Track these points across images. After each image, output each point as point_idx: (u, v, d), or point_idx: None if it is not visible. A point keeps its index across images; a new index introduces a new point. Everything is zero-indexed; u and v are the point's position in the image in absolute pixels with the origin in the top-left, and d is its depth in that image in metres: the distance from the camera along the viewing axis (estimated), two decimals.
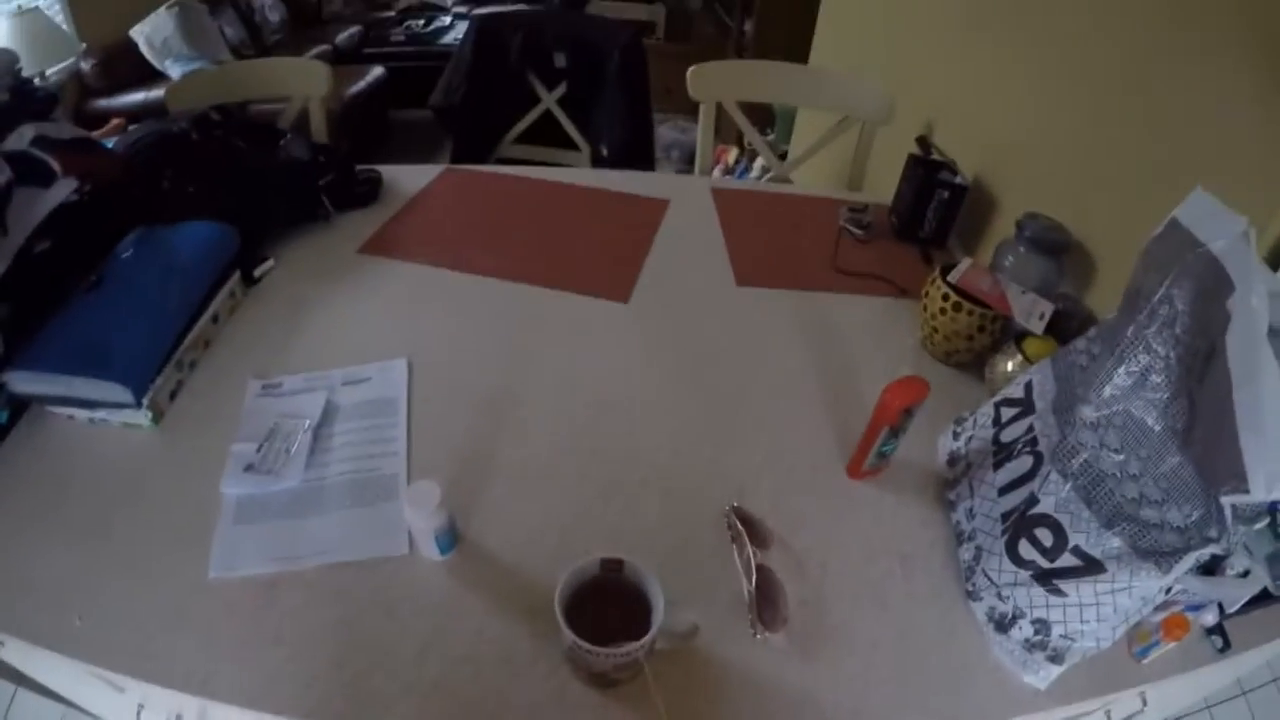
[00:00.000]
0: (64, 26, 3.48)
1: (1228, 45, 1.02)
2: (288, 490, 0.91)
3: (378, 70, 4.41)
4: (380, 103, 4.45)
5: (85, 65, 3.65)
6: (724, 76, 1.87)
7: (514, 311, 1.26)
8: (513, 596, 0.82)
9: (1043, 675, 0.80)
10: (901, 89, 1.87)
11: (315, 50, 4.64)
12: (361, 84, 4.15)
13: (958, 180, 1.53)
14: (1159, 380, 0.71)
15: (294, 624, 0.77)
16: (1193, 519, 0.68)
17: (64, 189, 1.09)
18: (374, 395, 1.06)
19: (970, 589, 0.87)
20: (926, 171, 1.54)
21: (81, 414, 0.98)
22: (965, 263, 1.21)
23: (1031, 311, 1.13)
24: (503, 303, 1.28)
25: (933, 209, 1.55)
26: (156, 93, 3.55)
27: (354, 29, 5.22)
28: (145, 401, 0.95)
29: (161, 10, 3.79)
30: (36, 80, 3.02)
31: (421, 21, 5.38)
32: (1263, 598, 0.81)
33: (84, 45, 3.53)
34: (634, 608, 0.71)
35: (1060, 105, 1.39)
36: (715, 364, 1.19)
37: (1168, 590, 0.74)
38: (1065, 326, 1.16)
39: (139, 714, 0.94)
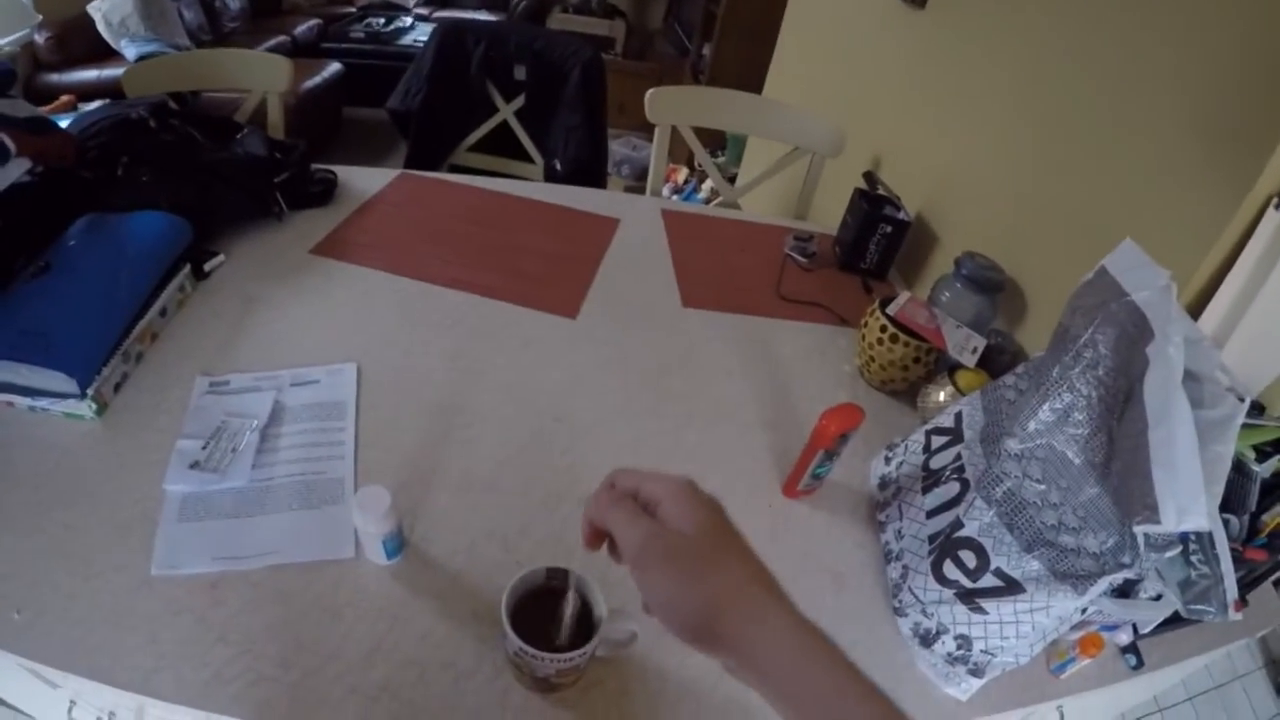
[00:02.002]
0: None
1: (1171, 105, 1.09)
2: (233, 489, 0.91)
3: (335, 66, 4.35)
4: (335, 99, 4.40)
5: (39, 38, 3.53)
6: (681, 101, 1.91)
7: (464, 321, 1.27)
8: (458, 602, 0.83)
9: (964, 688, 0.84)
10: (851, 123, 1.93)
11: (273, 41, 4.57)
12: (318, 79, 4.10)
13: (901, 216, 1.59)
14: (1081, 417, 0.76)
15: (238, 624, 0.77)
16: (1108, 545, 0.72)
17: (16, 169, 1.08)
18: (322, 398, 1.06)
19: (897, 605, 0.91)
20: (871, 206, 1.60)
21: (21, 401, 0.95)
22: (904, 296, 1.26)
23: (965, 345, 1.19)
24: (453, 312, 1.29)
25: (875, 242, 1.61)
26: (110, 71, 3.47)
27: (313, 22, 5.15)
28: (90, 392, 0.94)
29: None
30: None
31: (382, 20, 5.34)
32: (1175, 620, 0.86)
33: (40, 17, 3.42)
34: (576, 615, 0.73)
35: (1004, 151, 1.46)
36: (660, 382, 1.22)
37: (1083, 611, 0.79)
38: (996, 361, 1.22)
39: (70, 711, 0.92)
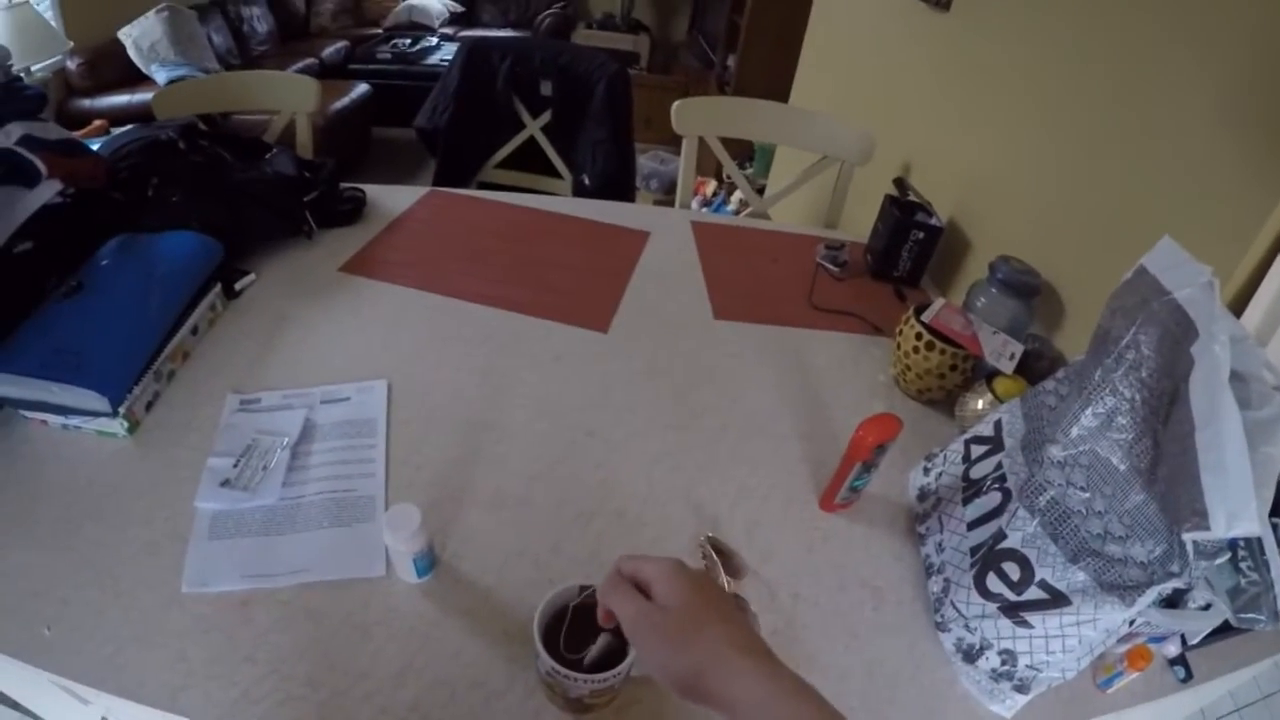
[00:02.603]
0: (53, 23, 3.46)
1: (1200, 102, 1.07)
2: (264, 507, 0.91)
3: (362, 87, 4.42)
4: (364, 119, 4.47)
5: (71, 64, 3.63)
6: (708, 112, 1.91)
7: (494, 337, 1.26)
8: (489, 621, 0.82)
9: (1009, 705, 0.81)
10: (880, 130, 1.91)
11: (301, 64, 4.66)
12: (346, 100, 4.17)
13: (933, 222, 1.57)
14: (1124, 421, 0.73)
15: (267, 642, 0.76)
16: (1155, 554, 0.70)
17: (48, 190, 1.09)
18: (353, 415, 1.06)
19: (939, 620, 0.88)
20: (903, 212, 1.58)
21: (55, 420, 0.97)
22: (939, 302, 1.24)
23: (1002, 352, 1.16)
24: (483, 328, 1.28)
25: (908, 249, 1.59)
26: (141, 96, 3.55)
27: (340, 44, 5.24)
28: (121, 410, 0.94)
29: (151, 14, 3.79)
30: (23, 76, 3.00)
31: (408, 41, 5.41)
32: (1224, 630, 0.83)
33: (71, 43, 3.51)
34: (610, 634, 0.72)
35: (1035, 152, 1.44)
36: (692, 396, 1.20)
37: (1131, 622, 0.76)
38: (1034, 367, 1.19)
39: None
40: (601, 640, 0.68)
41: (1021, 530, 0.79)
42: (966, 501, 0.91)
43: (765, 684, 0.52)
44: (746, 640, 0.55)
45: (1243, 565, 0.81)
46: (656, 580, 0.58)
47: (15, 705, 0.99)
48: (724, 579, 0.85)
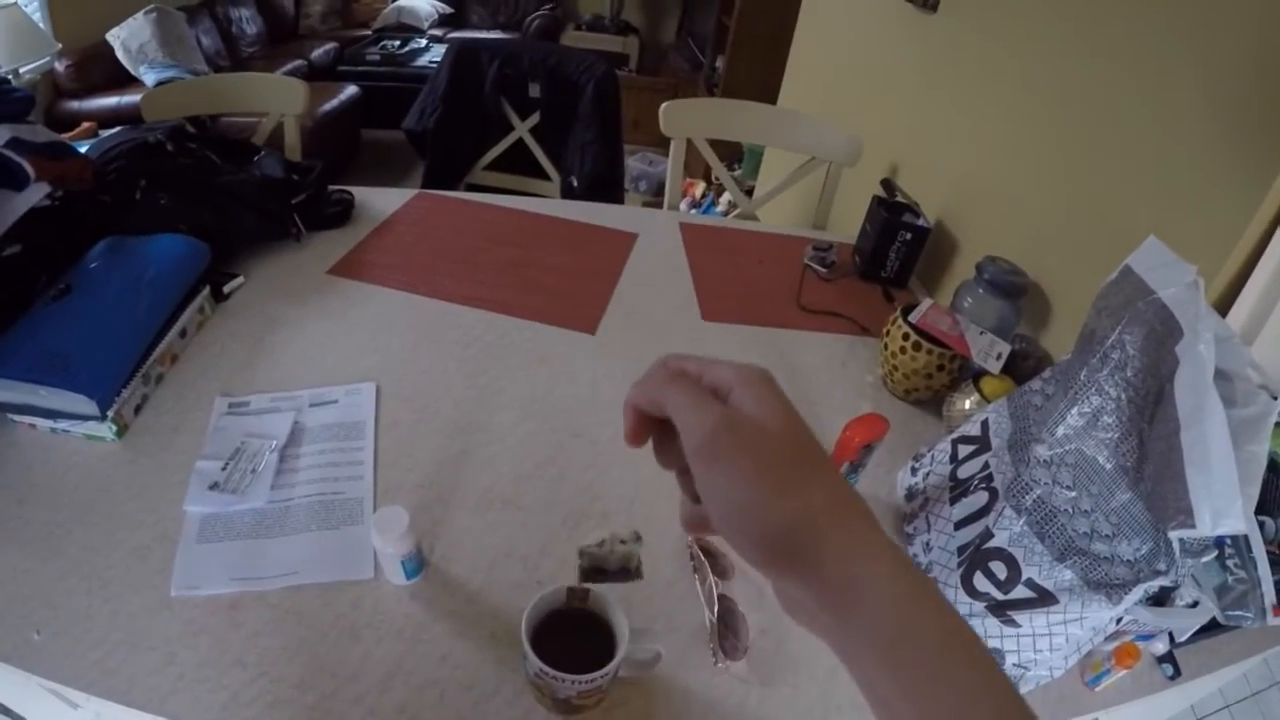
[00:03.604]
0: (41, 25, 3.44)
1: (1186, 102, 1.08)
2: (253, 510, 0.91)
3: (351, 89, 4.41)
4: (352, 121, 4.45)
5: (59, 65, 3.61)
6: (696, 114, 1.91)
7: (482, 339, 1.26)
8: (477, 623, 0.82)
9: None
10: (867, 131, 1.92)
11: (290, 65, 4.64)
12: (335, 102, 4.15)
13: (920, 222, 1.58)
14: (1110, 420, 0.74)
15: (257, 645, 0.76)
16: (1142, 552, 0.70)
17: (36, 193, 1.09)
18: (341, 418, 1.06)
19: None
20: (890, 213, 1.58)
21: (43, 423, 0.96)
22: (926, 303, 1.25)
23: (989, 352, 1.17)
24: (471, 330, 1.28)
25: (895, 250, 1.59)
26: (129, 98, 3.53)
27: (329, 46, 5.23)
28: (110, 414, 0.94)
29: (139, 15, 3.77)
30: (10, 79, 2.98)
31: (397, 42, 5.40)
32: (1212, 627, 0.84)
33: (60, 45, 3.49)
34: (598, 636, 0.72)
35: (1022, 153, 1.45)
36: None
37: (1118, 620, 0.77)
38: (1021, 366, 1.20)
39: None
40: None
41: (1008, 529, 0.79)
42: (954, 501, 0.91)
43: (904, 573, 0.36)
44: (867, 509, 0.39)
45: (1229, 563, 0.82)
46: (741, 386, 0.40)
47: (5, 710, 0.99)
48: (713, 580, 0.85)
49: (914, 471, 1.05)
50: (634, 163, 4.60)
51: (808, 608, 0.38)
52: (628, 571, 0.86)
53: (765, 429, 0.38)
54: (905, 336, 1.20)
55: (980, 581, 0.81)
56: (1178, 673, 0.91)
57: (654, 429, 0.44)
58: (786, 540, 0.36)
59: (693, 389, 0.40)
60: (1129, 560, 0.72)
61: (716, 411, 0.38)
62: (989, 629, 0.80)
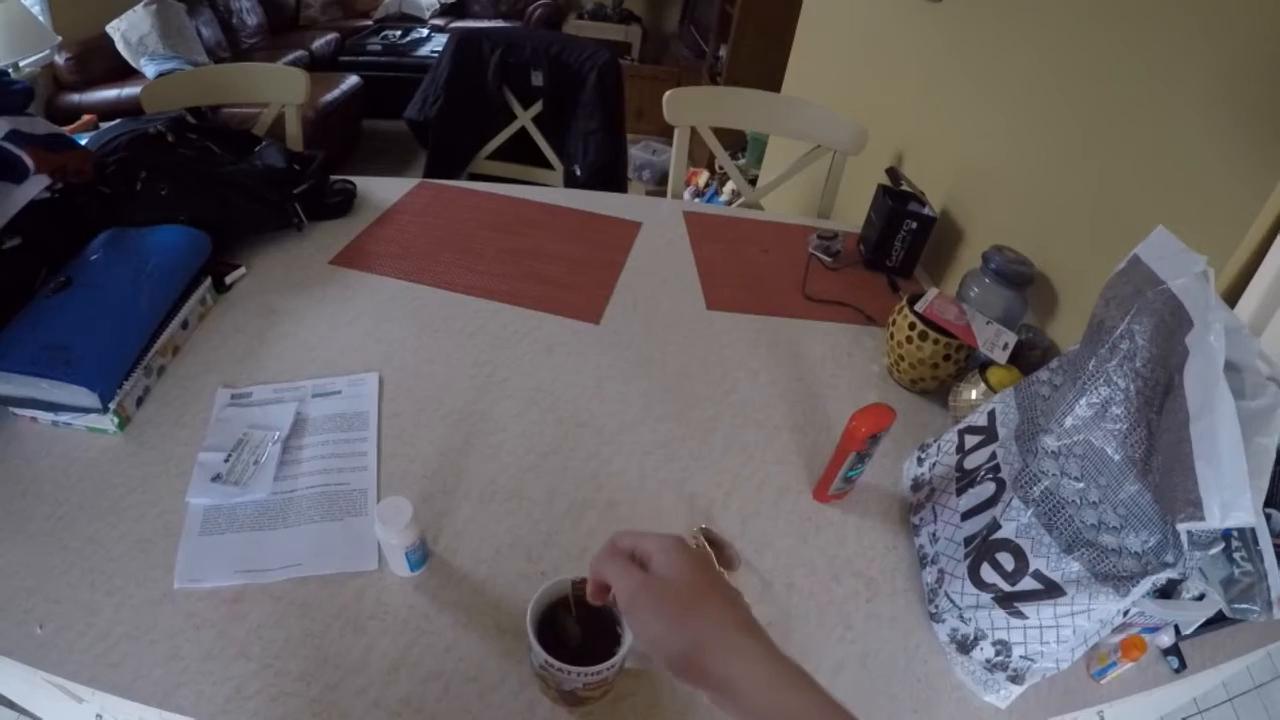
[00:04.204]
0: (41, 18, 3.42)
1: (1195, 91, 1.07)
2: (255, 502, 0.90)
3: (353, 79, 4.39)
4: (354, 111, 4.43)
5: (59, 58, 3.59)
6: (700, 102, 1.90)
7: (485, 329, 1.26)
8: (482, 614, 0.81)
9: (1003, 695, 0.81)
10: (872, 119, 1.91)
11: (291, 56, 4.62)
12: (336, 92, 4.13)
13: (926, 211, 1.57)
14: (1119, 411, 0.73)
15: (260, 638, 0.76)
16: (1150, 545, 0.70)
17: (36, 185, 1.08)
18: (344, 409, 1.05)
19: (933, 611, 0.88)
20: (896, 202, 1.57)
21: (45, 416, 0.96)
22: (932, 292, 1.24)
23: (995, 342, 1.16)
24: (474, 319, 1.28)
25: (901, 239, 1.58)
26: (130, 90, 3.52)
27: (330, 36, 5.20)
28: (112, 406, 0.94)
29: (139, 7, 3.75)
30: (10, 72, 2.97)
31: (399, 32, 5.38)
32: (1217, 620, 0.84)
33: (60, 38, 3.47)
34: (604, 627, 0.72)
35: (1028, 142, 1.43)
36: (685, 387, 1.20)
37: (1125, 613, 0.76)
38: (1028, 357, 1.19)
39: None
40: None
41: (1016, 520, 0.79)
42: (960, 492, 0.91)
43: (766, 665, 0.51)
44: (747, 621, 0.54)
45: (1236, 556, 0.81)
46: (657, 554, 0.56)
47: (11, 704, 0.99)
48: (717, 570, 0.85)
49: (920, 462, 1.04)
50: (637, 152, 4.59)
51: (714, 700, 0.52)
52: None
53: (669, 582, 0.54)
54: (911, 326, 1.19)
55: (987, 573, 0.81)
56: (1183, 665, 0.91)
57: (609, 589, 0.58)
58: (682, 658, 0.52)
59: (621, 563, 0.57)
60: (1137, 552, 0.71)
61: (635, 579, 0.55)
62: (996, 621, 0.80)
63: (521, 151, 2.86)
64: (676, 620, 0.53)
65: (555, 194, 1.79)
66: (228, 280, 1.25)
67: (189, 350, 1.12)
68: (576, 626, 0.70)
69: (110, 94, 3.59)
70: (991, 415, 0.94)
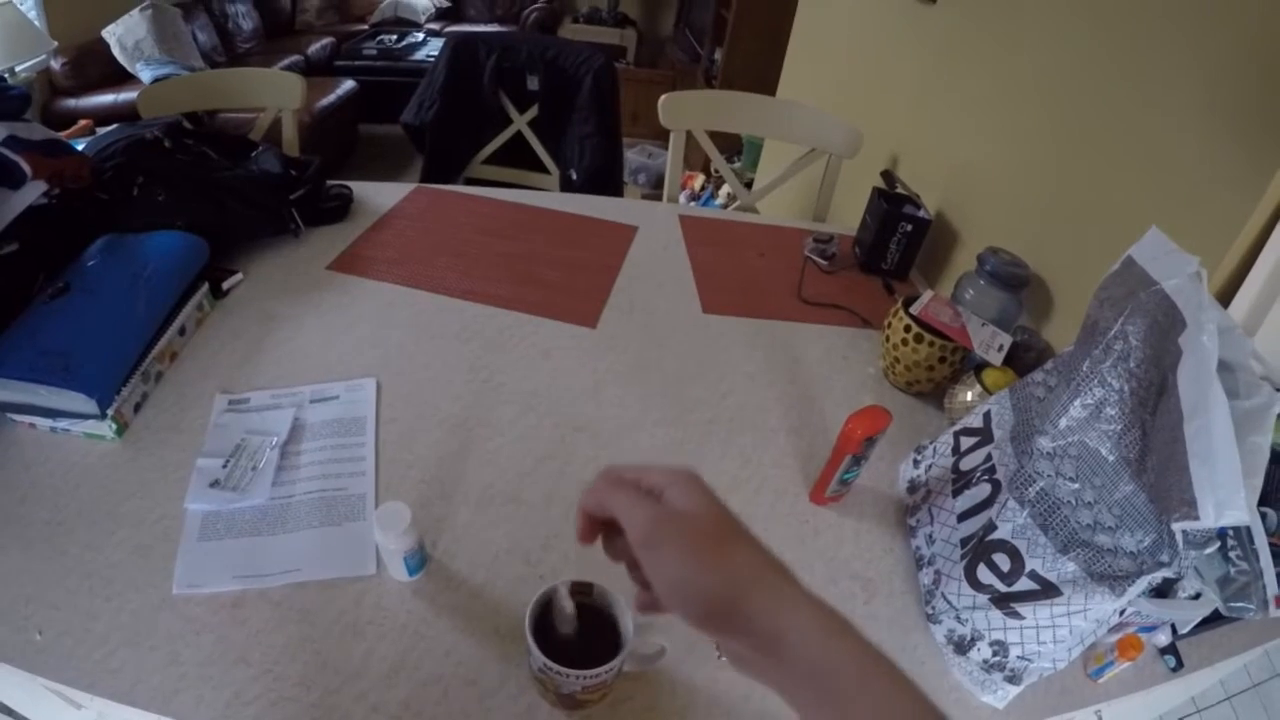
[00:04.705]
0: (37, 23, 3.42)
1: (1187, 92, 1.07)
2: (254, 507, 0.90)
3: (348, 83, 4.39)
4: (350, 116, 4.44)
5: (55, 63, 3.59)
6: (695, 106, 1.90)
7: (482, 333, 1.26)
8: (481, 618, 0.82)
9: (1000, 695, 0.82)
10: (867, 122, 1.91)
11: (287, 60, 4.62)
12: (332, 96, 4.14)
13: (921, 214, 1.57)
14: (1113, 412, 0.74)
15: (259, 643, 0.76)
16: (1145, 544, 0.70)
17: (33, 191, 1.09)
18: (342, 414, 1.05)
19: (930, 612, 0.89)
20: (891, 205, 1.58)
21: (43, 423, 0.96)
22: (927, 295, 1.24)
23: (990, 343, 1.16)
24: (471, 324, 1.28)
25: (896, 241, 1.59)
26: (126, 95, 3.52)
27: (326, 40, 5.21)
28: (110, 413, 0.94)
29: (135, 12, 3.75)
30: (6, 77, 2.97)
31: (394, 37, 5.38)
32: (1214, 619, 0.84)
33: (56, 43, 3.47)
34: (602, 631, 0.72)
35: (1022, 144, 1.44)
36: (681, 390, 1.20)
37: (1121, 612, 0.77)
38: (1023, 358, 1.20)
39: None
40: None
41: (1011, 521, 0.79)
42: (956, 493, 0.91)
43: (813, 611, 0.44)
44: (781, 563, 0.47)
45: (1232, 554, 0.82)
46: (671, 486, 0.48)
47: (9, 711, 0.99)
48: None
49: (916, 464, 1.05)
50: (633, 155, 4.60)
51: (748, 657, 0.45)
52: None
53: (692, 516, 0.46)
54: (906, 328, 1.20)
55: (984, 574, 0.81)
56: (1180, 664, 0.91)
57: (602, 529, 0.51)
58: (719, 604, 0.44)
59: (632, 492, 0.48)
60: (1132, 552, 0.72)
61: (652, 509, 0.46)
62: (993, 621, 0.81)
63: (517, 156, 2.86)
64: (709, 558, 0.45)
65: (551, 198, 1.79)
66: (225, 286, 1.25)
67: (186, 356, 1.12)
68: (573, 613, 0.70)
69: (106, 99, 3.59)
70: (987, 417, 0.94)
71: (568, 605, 0.69)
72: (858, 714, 0.41)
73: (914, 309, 1.22)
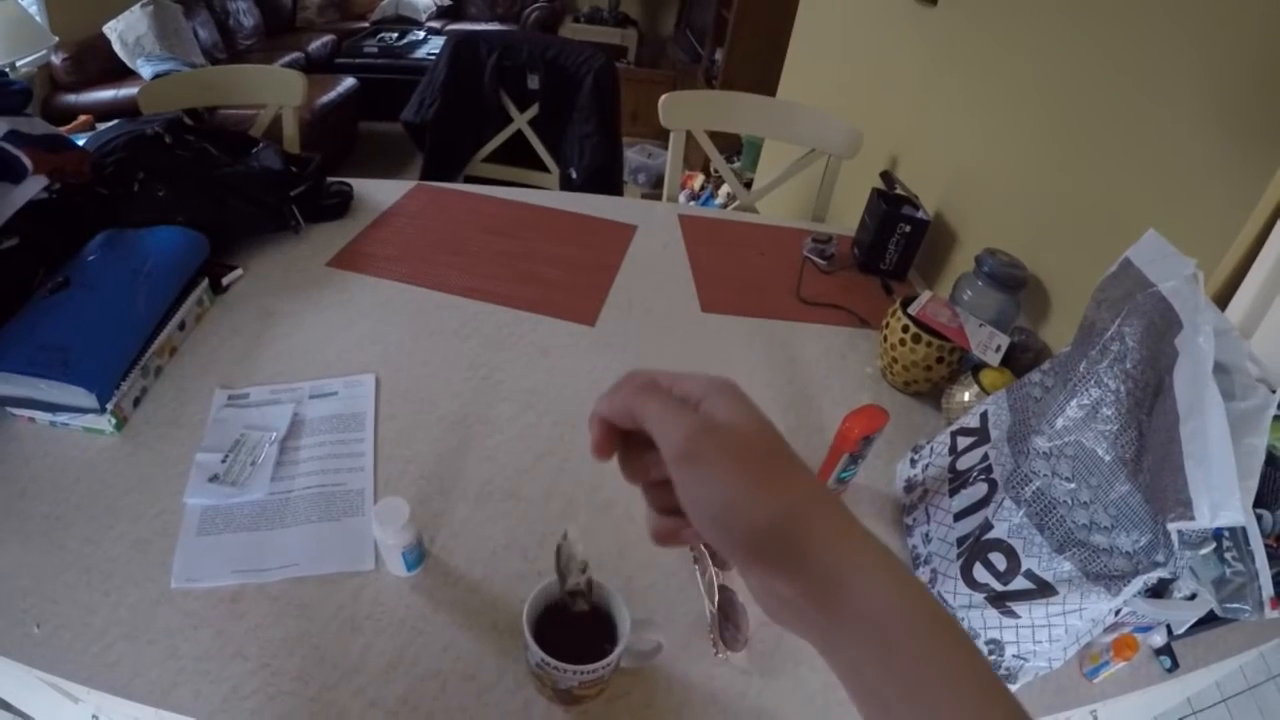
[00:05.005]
0: (38, 19, 3.42)
1: (1186, 95, 1.07)
2: (253, 502, 0.91)
3: (349, 81, 4.39)
4: (350, 114, 4.43)
5: (56, 59, 3.59)
6: (695, 106, 1.91)
7: (481, 331, 1.26)
8: (478, 614, 0.82)
9: None
10: (866, 123, 1.92)
11: (287, 58, 4.62)
12: (332, 94, 4.13)
13: (920, 215, 1.58)
14: (1110, 413, 0.74)
15: (257, 637, 0.76)
16: (1141, 544, 0.71)
17: (34, 186, 1.09)
18: (341, 410, 1.06)
19: None
20: (889, 205, 1.58)
21: (42, 417, 0.96)
22: (925, 295, 1.25)
23: (988, 344, 1.17)
24: (470, 321, 1.28)
25: (895, 242, 1.59)
26: (126, 91, 3.51)
27: (327, 38, 5.20)
28: (109, 407, 0.94)
29: (136, 8, 3.75)
30: (8, 72, 2.97)
31: (395, 35, 5.38)
32: (1209, 620, 0.85)
33: (57, 39, 3.47)
34: (599, 626, 0.72)
35: (1021, 146, 1.44)
36: None
37: (1117, 612, 0.77)
38: (1020, 359, 1.20)
39: None
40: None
41: (1008, 521, 0.80)
42: (953, 493, 0.91)
43: (887, 563, 0.37)
44: (842, 502, 0.39)
45: (1227, 555, 0.82)
46: (712, 395, 0.40)
47: (5, 704, 0.99)
48: (713, 571, 0.86)
49: (913, 463, 1.05)
50: (633, 155, 4.60)
51: (794, 604, 0.37)
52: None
53: (740, 431, 0.38)
54: (905, 328, 1.20)
55: (980, 573, 0.81)
56: (1175, 665, 0.91)
57: (621, 442, 0.43)
58: (772, 535, 0.36)
59: (666, 397, 0.40)
60: (1128, 552, 0.72)
61: (692, 418, 0.39)
62: (988, 620, 0.81)
63: (518, 154, 2.87)
64: (763, 478, 0.37)
65: (551, 197, 1.80)
66: (225, 282, 1.25)
67: (186, 351, 1.12)
68: (584, 561, 0.67)
69: (106, 95, 3.59)
70: (984, 417, 0.95)
71: (578, 550, 0.66)
72: (921, 679, 0.35)
73: (912, 309, 1.22)
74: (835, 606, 0.36)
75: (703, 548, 0.89)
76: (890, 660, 0.35)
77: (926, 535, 0.93)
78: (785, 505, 0.37)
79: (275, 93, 1.83)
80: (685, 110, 1.87)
